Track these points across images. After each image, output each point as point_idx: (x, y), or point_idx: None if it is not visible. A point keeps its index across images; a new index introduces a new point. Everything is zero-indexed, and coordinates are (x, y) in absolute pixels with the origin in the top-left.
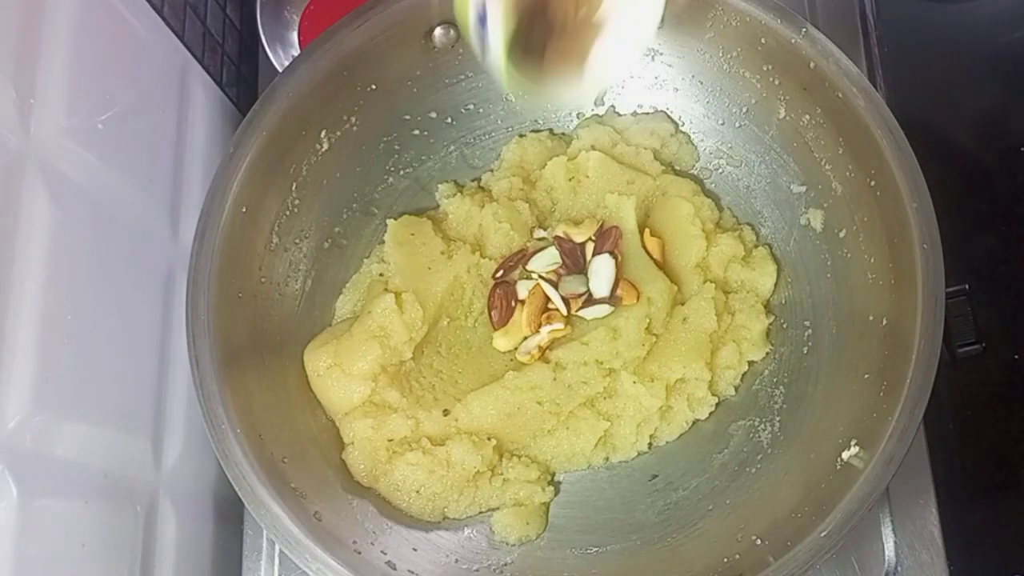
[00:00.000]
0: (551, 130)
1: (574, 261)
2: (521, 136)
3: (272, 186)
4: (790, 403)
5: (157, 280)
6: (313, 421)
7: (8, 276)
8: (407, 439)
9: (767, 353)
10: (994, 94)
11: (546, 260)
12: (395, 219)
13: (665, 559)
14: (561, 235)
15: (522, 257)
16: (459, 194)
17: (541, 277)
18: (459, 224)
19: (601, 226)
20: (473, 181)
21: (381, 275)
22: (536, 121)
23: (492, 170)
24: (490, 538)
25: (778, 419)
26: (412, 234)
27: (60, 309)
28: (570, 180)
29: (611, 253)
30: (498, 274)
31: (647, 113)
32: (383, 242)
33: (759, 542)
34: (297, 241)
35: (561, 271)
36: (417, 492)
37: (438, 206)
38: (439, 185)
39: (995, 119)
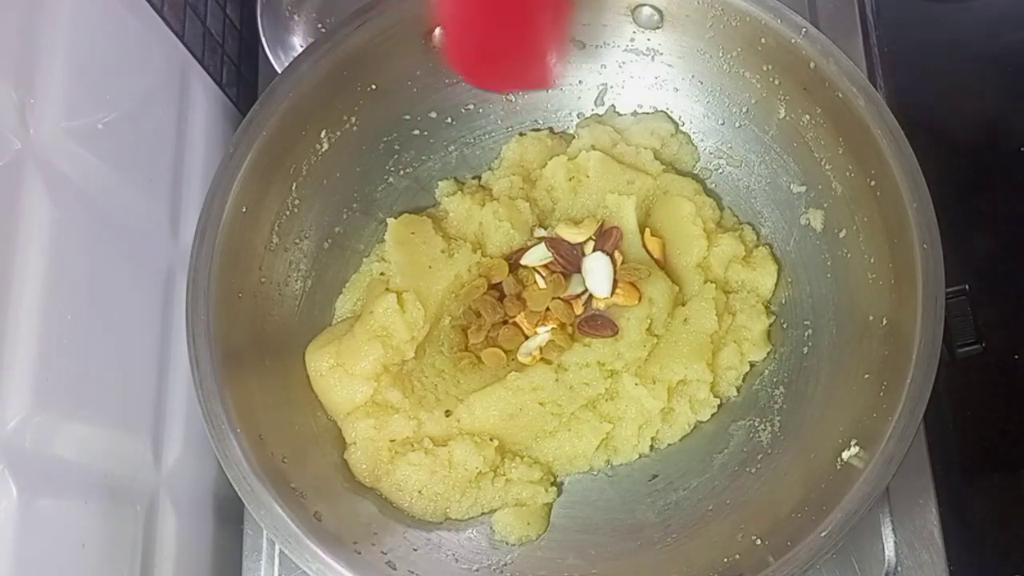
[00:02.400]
0: (551, 129)
1: (570, 261)
2: (521, 135)
3: (272, 186)
4: (790, 403)
5: (157, 280)
6: (313, 421)
7: (8, 276)
8: (409, 439)
9: (768, 353)
10: (994, 94)
11: (539, 255)
12: (395, 218)
13: (665, 559)
14: (554, 236)
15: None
16: (460, 192)
17: (535, 270)
18: (459, 222)
19: (601, 226)
20: (473, 179)
21: (382, 274)
22: (536, 121)
23: (492, 168)
24: (490, 538)
25: (778, 419)
26: (412, 233)
27: (60, 309)
28: (570, 179)
29: (603, 250)
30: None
31: (647, 113)
32: (383, 241)
33: (759, 542)
34: (297, 241)
35: (553, 267)
36: (419, 492)
37: (437, 204)
38: (439, 183)
39: (995, 119)
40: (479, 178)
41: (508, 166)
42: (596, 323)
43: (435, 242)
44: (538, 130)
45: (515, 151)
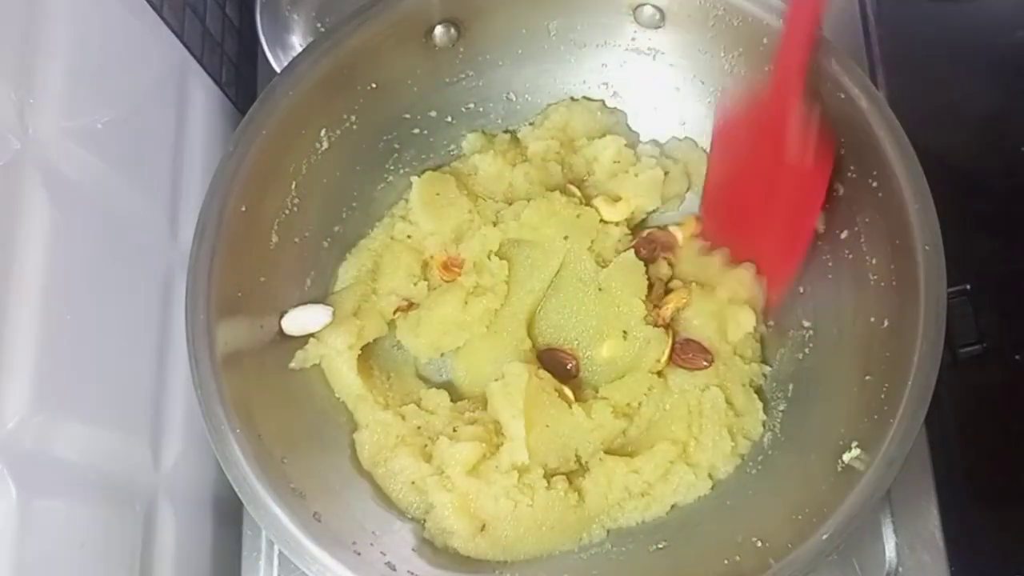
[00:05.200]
0: (604, 102)
1: None
2: (573, 99)
3: (272, 185)
4: (791, 404)
5: (157, 280)
6: (313, 422)
7: (8, 276)
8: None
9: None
10: (995, 94)
11: None
12: (419, 176)
13: (665, 561)
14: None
15: None
16: (492, 150)
17: None
18: (488, 181)
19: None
20: (506, 133)
21: (409, 237)
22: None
23: (532, 124)
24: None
25: (779, 421)
26: (437, 193)
27: (60, 309)
28: (615, 163)
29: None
30: None
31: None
32: (405, 200)
33: (760, 544)
34: (297, 240)
35: None
36: (412, 484)
37: (463, 157)
38: (467, 135)
39: (996, 119)
40: (512, 131)
41: (550, 127)
42: (688, 353)
43: (461, 203)
44: (590, 98)
45: (562, 115)
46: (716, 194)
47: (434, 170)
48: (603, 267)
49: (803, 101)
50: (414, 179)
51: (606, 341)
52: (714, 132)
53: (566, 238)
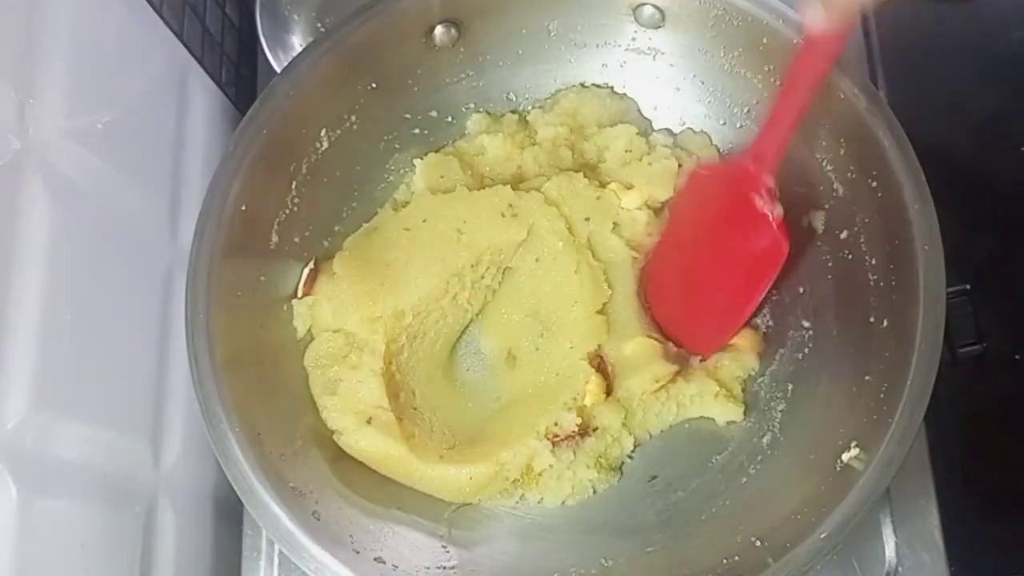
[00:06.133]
0: (612, 88)
1: None
2: (583, 86)
3: (272, 185)
4: (790, 404)
5: (156, 280)
6: (312, 419)
7: (8, 276)
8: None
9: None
10: (995, 94)
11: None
12: (422, 158)
13: (664, 560)
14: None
15: None
16: (499, 132)
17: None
18: (495, 163)
19: None
20: (513, 113)
21: (407, 229)
22: None
23: (542, 108)
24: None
25: (778, 420)
26: (442, 176)
27: (60, 309)
28: (627, 151)
29: None
30: None
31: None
32: (406, 185)
33: (758, 543)
34: (297, 240)
35: None
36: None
37: (467, 136)
38: (473, 115)
39: (996, 119)
40: (521, 113)
41: (560, 113)
42: None
43: (466, 186)
44: (599, 86)
45: (572, 101)
46: (662, 262)
47: (437, 151)
48: (635, 254)
49: (772, 178)
50: (417, 162)
51: (632, 338)
52: (675, 198)
53: (587, 219)
